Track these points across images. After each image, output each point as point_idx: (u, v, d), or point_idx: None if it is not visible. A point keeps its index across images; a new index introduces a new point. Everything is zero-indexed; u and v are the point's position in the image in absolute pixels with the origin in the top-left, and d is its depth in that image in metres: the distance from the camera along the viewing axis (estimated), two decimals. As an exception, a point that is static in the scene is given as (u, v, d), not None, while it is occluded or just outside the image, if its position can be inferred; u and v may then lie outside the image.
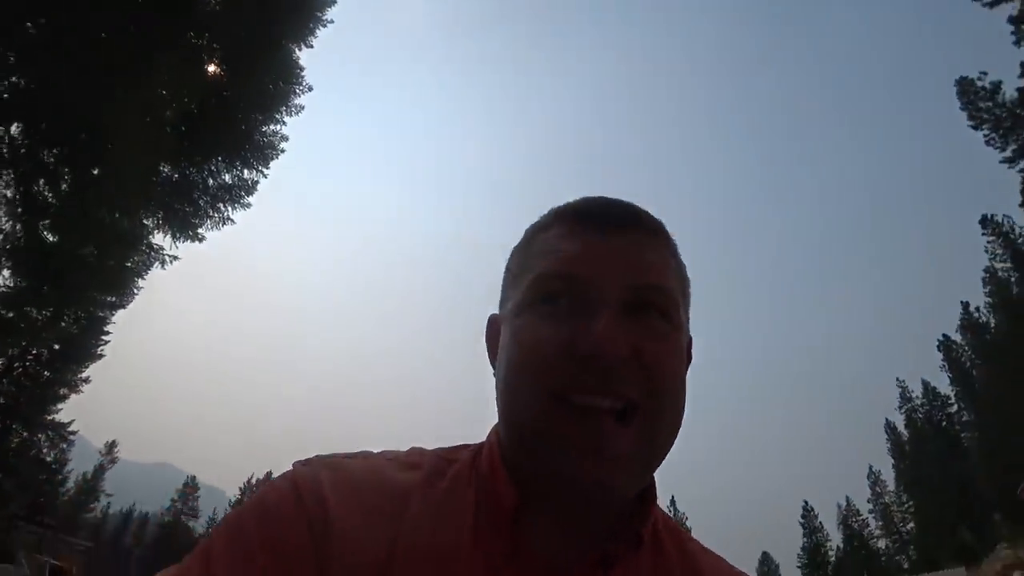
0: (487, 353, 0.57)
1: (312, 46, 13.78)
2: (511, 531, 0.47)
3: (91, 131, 9.57)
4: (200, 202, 12.83)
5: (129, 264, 12.39)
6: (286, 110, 13.77)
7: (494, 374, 0.54)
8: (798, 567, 56.89)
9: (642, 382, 0.45)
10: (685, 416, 0.50)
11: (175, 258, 12.73)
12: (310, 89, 13.89)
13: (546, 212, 0.56)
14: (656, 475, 0.52)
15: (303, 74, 13.66)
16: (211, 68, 11.86)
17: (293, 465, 0.51)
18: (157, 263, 12.74)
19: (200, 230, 12.92)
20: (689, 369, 0.53)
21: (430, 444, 0.58)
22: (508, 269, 0.57)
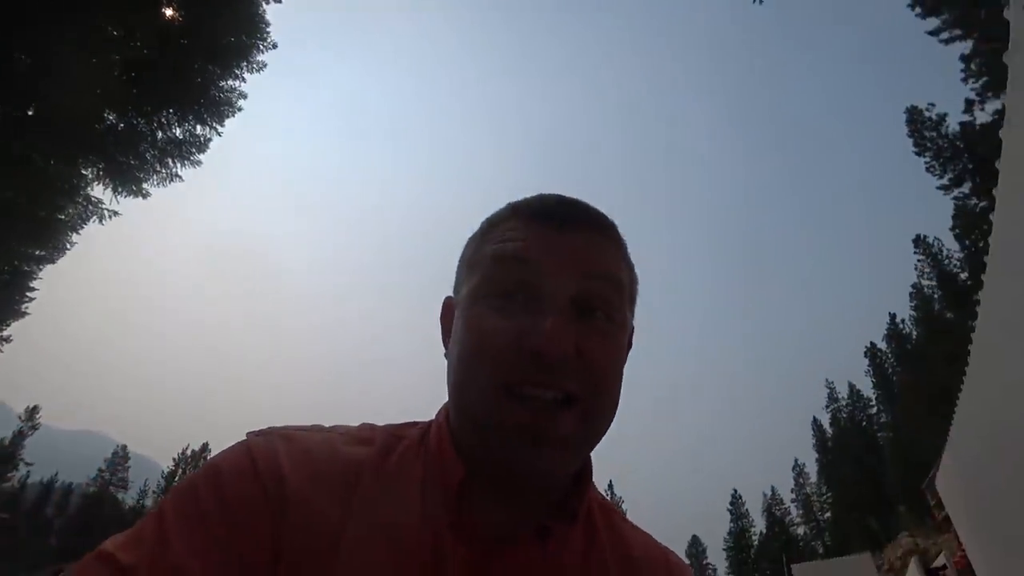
0: (441, 333, 0.59)
1: (280, 1, 13.05)
2: (456, 504, 0.49)
3: (28, 67, 8.74)
4: (146, 155, 12.00)
5: (63, 216, 11.47)
6: (247, 66, 13.02)
7: (446, 355, 0.56)
8: (723, 550, 60.40)
9: (583, 378, 0.48)
10: (624, 404, 0.54)
11: (115, 213, 11.85)
12: (275, 46, 13.18)
13: (503, 206, 0.58)
14: (597, 462, 0.57)
15: (268, 29, 12.94)
16: (168, 12, 11.03)
17: (247, 435, 0.52)
18: (95, 217, 11.83)
19: (145, 185, 12.09)
20: (630, 356, 0.58)
21: (385, 416, 0.61)
22: (463, 257, 0.59)
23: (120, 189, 11.72)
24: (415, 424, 0.59)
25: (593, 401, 0.49)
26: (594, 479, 0.60)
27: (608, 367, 0.50)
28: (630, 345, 0.57)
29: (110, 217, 11.75)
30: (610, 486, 59.87)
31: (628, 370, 0.55)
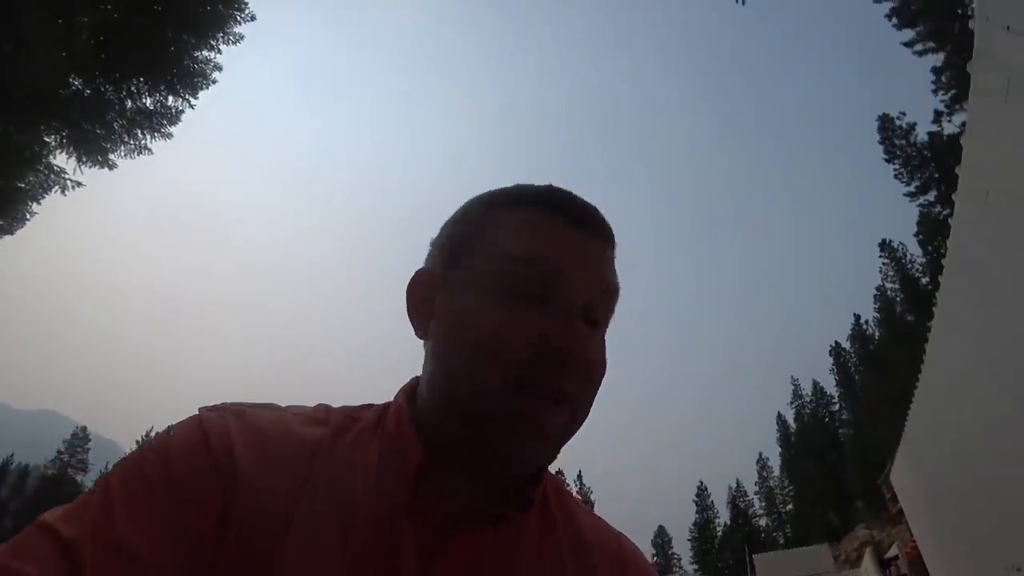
0: (408, 308, 0.56)
1: (260, -29, 12.62)
2: (413, 487, 0.49)
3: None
4: (114, 125, 11.53)
5: (23, 184, 10.97)
6: (223, 37, 12.59)
7: (422, 335, 0.54)
8: (688, 540, 61.99)
9: (580, 381, 0.50)
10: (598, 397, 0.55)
11: (78, 184, 11.38)
12: (253, 18, 12.77)
13: (502, 190, 0.56)
14: (567, 452, 0.57)
15: (247, 0, 12.51)
16: (140, -26, 10.56)
17: (199, 410, 0.51)
18: (57, 187, 11.34)
19: (111, 156, 11.63)
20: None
21: (353, 399, 0.59)
22: (455, 233, 0.56)
23: (85, 159, 11.24)
24: (371, 406, 0.58)
25: (581, 402, 0.50)
26: (564, 470, 0.60)
27: (600, 376, 0.52)
28: None
29: (73, 188, 11.27)
30: (579, 477, 60.68)
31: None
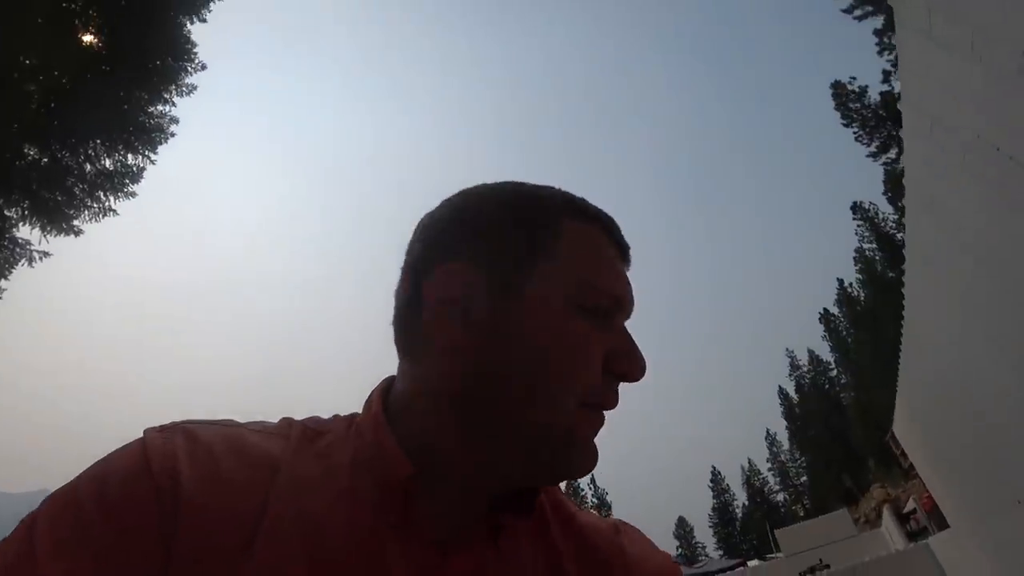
0: (433, 305, 0.48)
1: (206, 20, 12.64)
2: (399, 501, 0.45)
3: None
4: (75, 190, 11.39)
5: (-12, 262, 10.75)
6: (176, 89, 12.56)
7: (458, 338, 0.47)
8: (709, 527, 61.90)
9: None
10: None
11: (45, 254, 11.19)
12: (203, 67, 12.75)
13: (554, 191, 0.53)
14: None
15: (196, 51, 12.51)
16: (87, 38, 10.50)
17: (145, 432, 0.46)
18: (23, 260, 11.14)
19: (76, 222, 11.46)
20: None
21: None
22: (515, 233, 0.49)
23: (49, 228, 11.06)
24: (337, 417, 0.54)
25: None
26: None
27: None
28: None
29: (40, 259, 11.07)
30: (592, 481, 60.38)
31: None
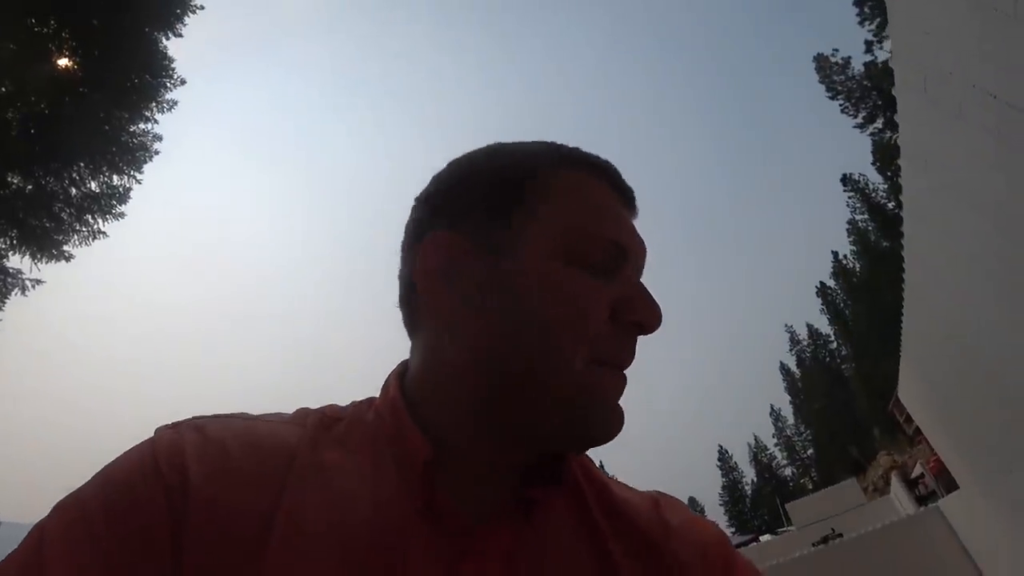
0: (423, 280, 0.47)
1: (181, 35, 12.54)
2: (424, 487, 0.44)
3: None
4: (63, 215, 11.31)
5: (-20, 294, 10.66)
6: (156, 106, 12.47)
7: (445, 312, 0.47)
8: (720, 505, 62.37)
9: None
10: None
11: (38, 282, 11.12)
12: (183, 82, 12.66)
13: (539, 145, 0.51)
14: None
15: (173, 66, 12.41)
16: (62, 62, 10.39)
17: (156, 430, 0.45)
18: (16, 289, 11.06)
19: (66, 247, 11.40)
20: None
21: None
22: (500, 186, 0.48)
23: (39, 255, 10.98)
24: (354, 402, 0.52)
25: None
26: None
27: None
28: None
29: (33, 287, 11.00)
30: (601, 467, 60.64)
31: None
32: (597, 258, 0.46)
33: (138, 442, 0.45)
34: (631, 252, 0.48)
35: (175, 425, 0.46)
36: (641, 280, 0.50)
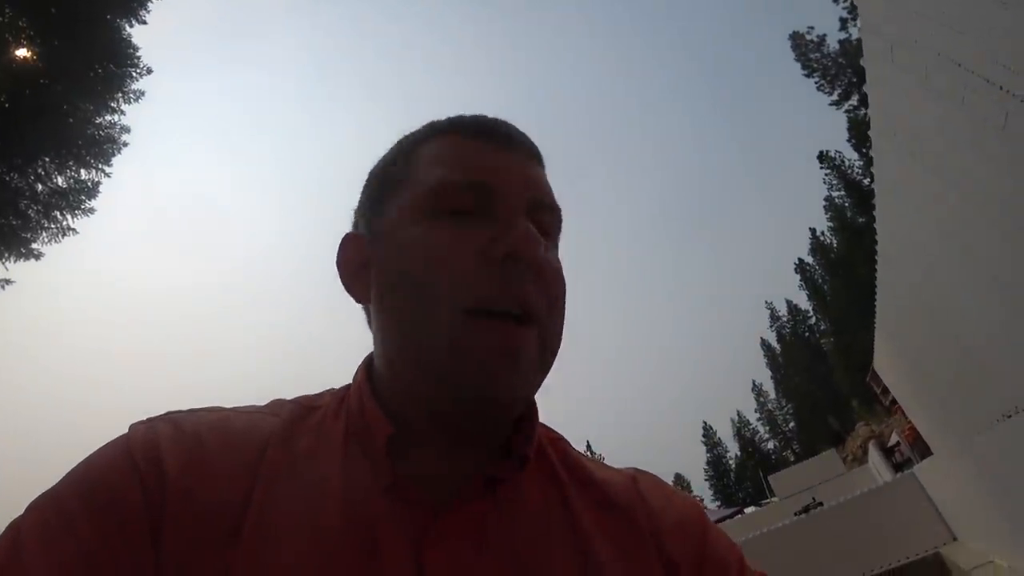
0: (343, 279, 0.53)
1: (145, 22, 12.09)
2: (387, 464, 0.44)
3: None
4: (30, 212, 10.95)
5: (-53, 296, 10.32)
6: (123, 97, 12.05)
7: (367, 301, 0.51)
8: (705, 480, 63.86)
9: (541, 294, 0.45)
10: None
11: (7, 281, 10.80)
12: (149, 71, 12.24)
13: (423, 126, 0.53)
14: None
15: (138, 54, 11.98)
16: (21, 52, 9.97)
17: (131, 426, 0.45)
18: (-15, 290, 10.73)
19: (34, 245, 11.05)
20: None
21: None
22: (377, 178, 0.53)
23: (7, 254, 10.64)
24: (331, 391, 0.53)
25: (549, 324, 0.46)
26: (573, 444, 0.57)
27: (561, 288, 0.48)
28: None
29: (2, 287, 10.67)
30: (588, 447, 61.51)
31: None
32: (459, 204, 0.46)
33: (111, 438, 0.44)
34: (497, 188, 0.47)
35: (149, 420, 0.46)
36: (513, 211, 0.47)
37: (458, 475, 0.46)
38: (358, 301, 0.53)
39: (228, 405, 0.50)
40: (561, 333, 0.49)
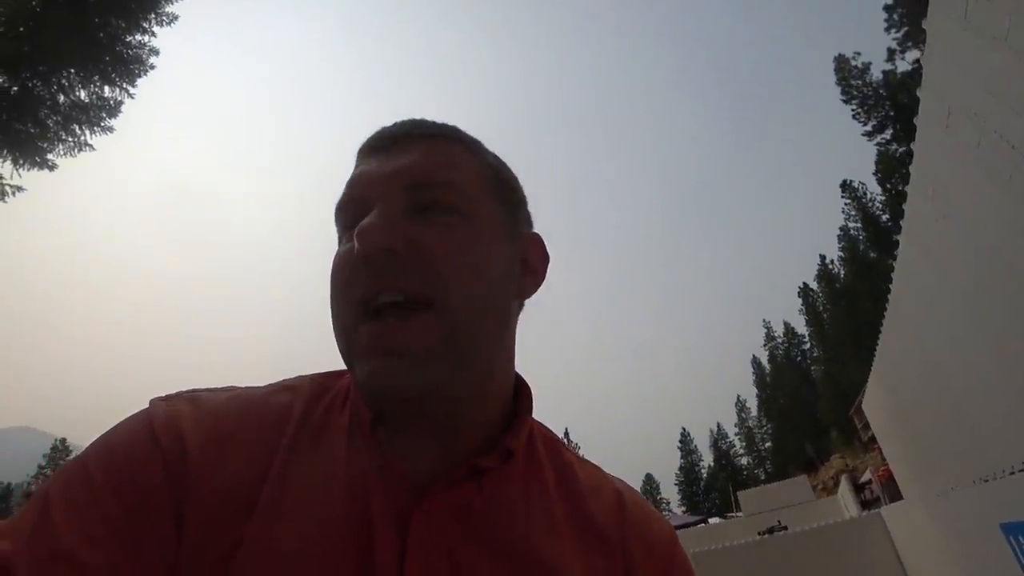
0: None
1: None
2: (377, 447, 0.47)
3: None
4: (48, 122, 10.86)
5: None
6: (155, 18, 11.85)
7: None
8: (675, 484, 64.76)
9: (424, 273, 0.45)
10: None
11: (19, 188, 10.75)
12: (186, -7, 12.03)
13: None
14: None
15: (176, -24, 11.78)
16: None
17: (151, 402, 0.47)
18: (-5, 193, 10.69)
19: (50, 156, 10.99)
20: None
21: None
22: None
23: (22, 161, 10.59)
24: (344, 373, 0.55)
25: (452, 302, 0.45)
26: (550, 426, 0.59)
27: (455, 259, 0.46)
28: (545, 257, 0.58)
29: (13, 193, 10.64)
30: (566, 434, 62.27)
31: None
32: (347, 220, 0.49)
33: (133, 412, 0.46)
34: (367, 196, 0.49)
35: (168, 397, 0.48)
36: (383, 209, 0.47)
37: (446, 464, 0.49)
38: None
39: (240, 382, 0.54)
40: (480, 307, 0.47)
